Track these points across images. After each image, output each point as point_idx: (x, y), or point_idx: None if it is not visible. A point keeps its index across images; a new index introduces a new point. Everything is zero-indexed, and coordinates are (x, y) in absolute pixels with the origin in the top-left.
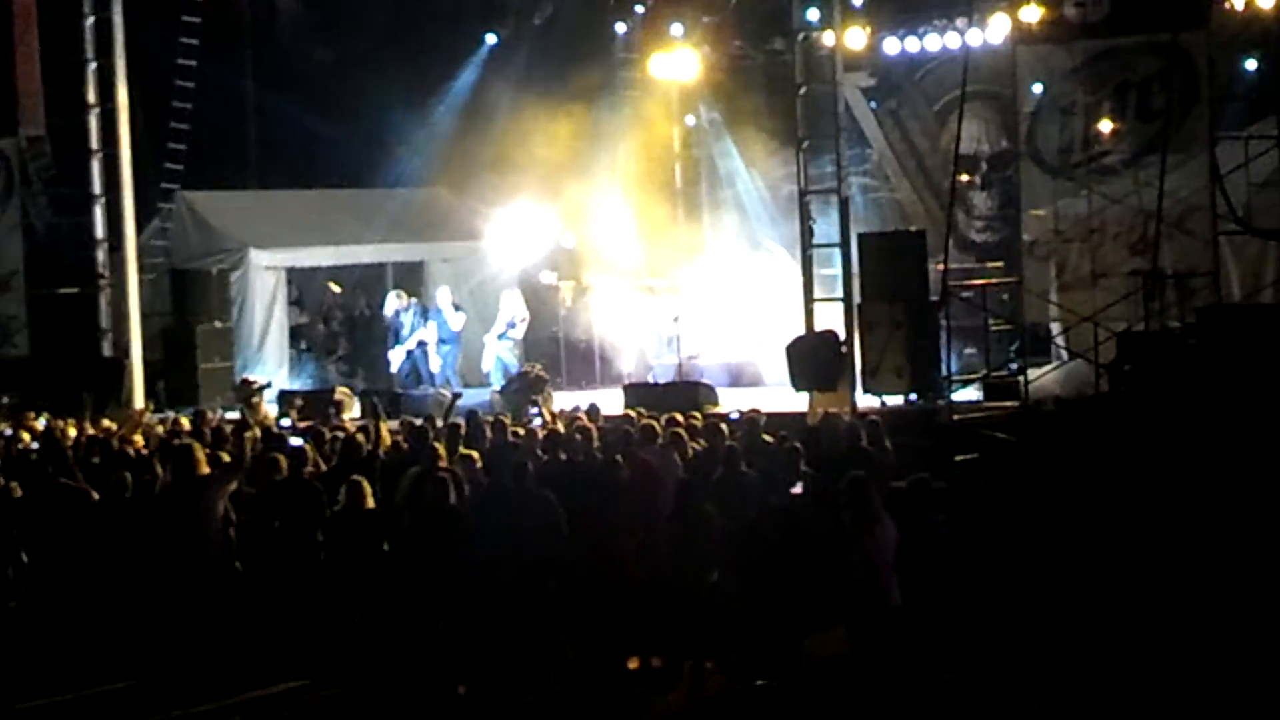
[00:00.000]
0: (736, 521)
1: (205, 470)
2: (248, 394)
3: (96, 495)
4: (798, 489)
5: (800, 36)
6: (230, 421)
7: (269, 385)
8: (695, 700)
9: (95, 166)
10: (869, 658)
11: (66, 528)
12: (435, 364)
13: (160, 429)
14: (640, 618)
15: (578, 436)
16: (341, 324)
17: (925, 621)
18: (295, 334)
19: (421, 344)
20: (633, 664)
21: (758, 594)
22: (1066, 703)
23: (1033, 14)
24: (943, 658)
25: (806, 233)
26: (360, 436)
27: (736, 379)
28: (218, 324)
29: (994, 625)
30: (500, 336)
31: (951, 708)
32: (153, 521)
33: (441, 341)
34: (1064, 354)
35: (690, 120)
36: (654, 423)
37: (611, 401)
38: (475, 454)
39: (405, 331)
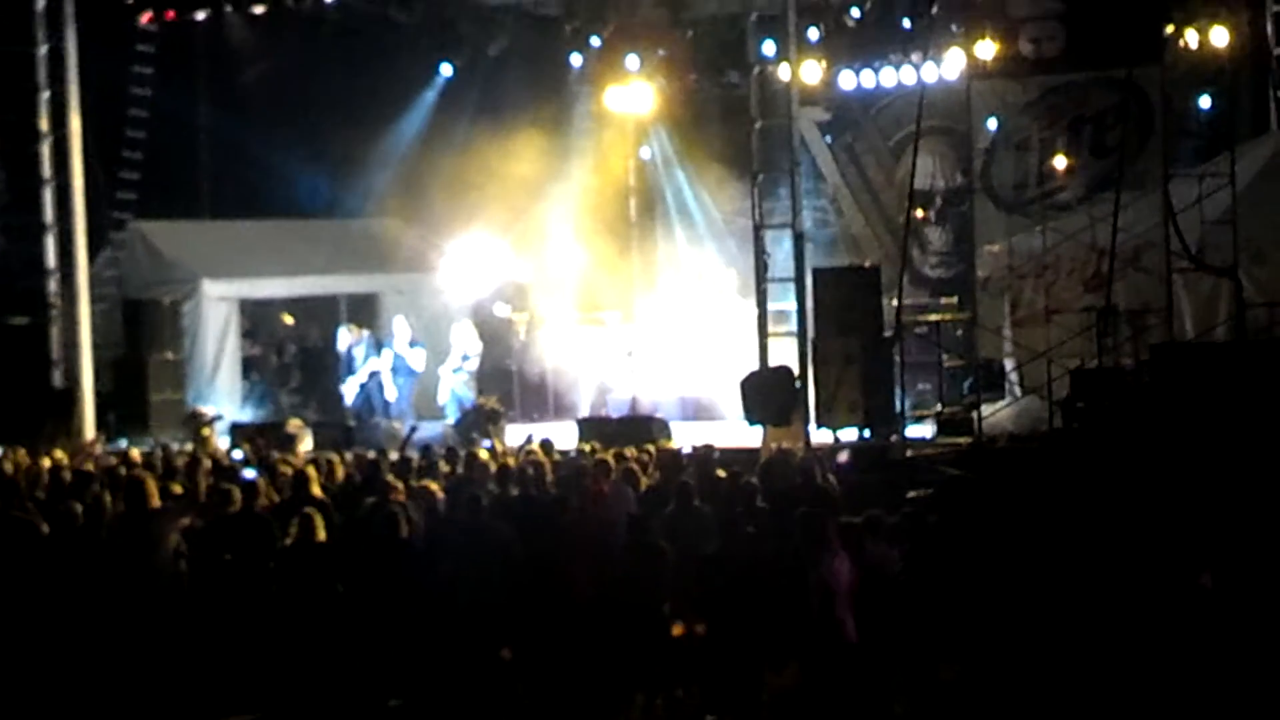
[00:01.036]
0: (690, 556)
1: (156, 502)
2: (198, 425)
3: (46, 527)
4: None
5: (756, 70)
6: (182, 453)
7: (219, 417)
8: None
9: (47, 195)
10: (824, 692)
11: (15, 560)
12: (391, 394)
13: (112, 460)
14: (594, 651)
15: (531, 470)
16: (294, 355)
17: (879, 656)
18: (248, 365)
19: (374, 375)
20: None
21: (714, 628)
22: None
23: (988, 49)
24: (894, 692)
25: (761, 266)
26: (312, 469)
27: (690, 413)
28: (170, 355)
29: (946, 659)
30: (455, 370)
31: None
32: (103, 553)
33: (396, 372)
34: (1017, 390)
35: (645, 153)
36: (607, 457)
37: (565, 435)
38: (433, 486)
39: (358, 364)
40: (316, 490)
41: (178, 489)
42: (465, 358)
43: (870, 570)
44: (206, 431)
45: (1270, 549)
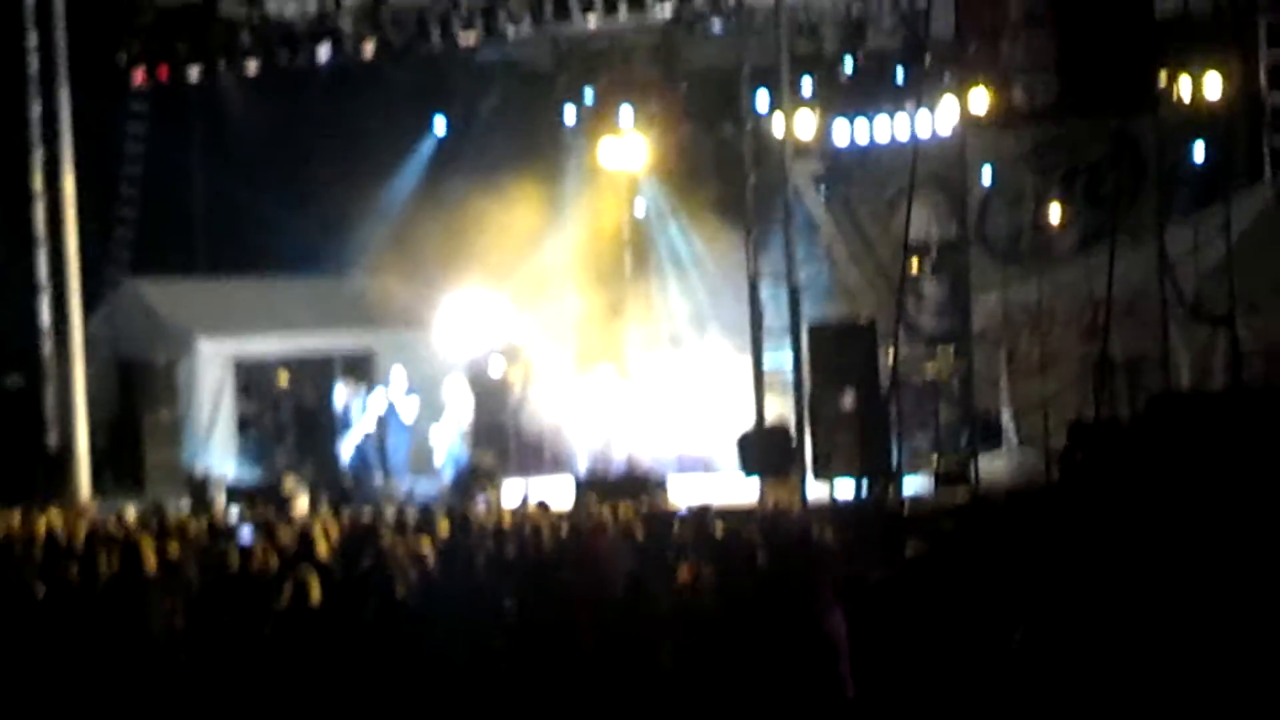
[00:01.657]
0: (689, 612)
1: (152, 564)
2: (204, 489)
3: (41, 589)
4: None
5: (750, 123)
6: (178, 514)
7: (222, 479)
8: None
9: (41, 255)
10: None
11: (10, 623)
12: (393, 444)
13: (108, 521)
14: (594, 710)
15: (527, 528)
16: (290, 414)
17: (877, 713)
18: (244, 424)
19: (368, 434)
20: None
21: (715, 687)
22: None
23: (981, 101)
24: None
25: (757, 320)
26: (309, 529)
27: (687, 468)
28: (165, 414)
29: (946, 715)
30: (450, 427)
31: None
32: (98, 616)
33: (391, 426)
34: (1015, 441)
35: (640, 206)
36: (604, 514)
37: (561, 491)
38: (427, 545)
39: (354, 421)
40: (321, 549)
41: (174, 550)
42: (459, 415)
43: (861, 625)
44: (211, 495)
45: (1270, 595)
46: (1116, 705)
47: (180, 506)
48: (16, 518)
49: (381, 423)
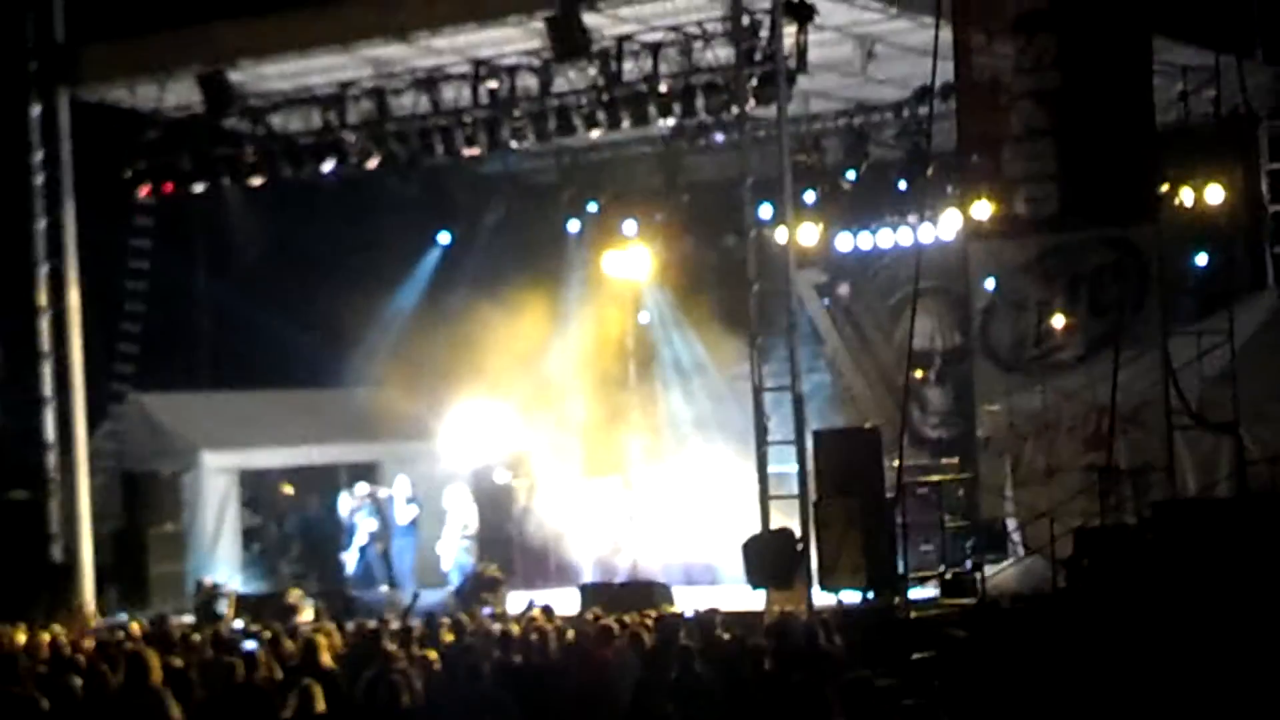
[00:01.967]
0: (696, 715)
1: (158, 676)
2: (213, 599)
3: (46, 703)
4: None
5: (753, 233)
6: (183, 626)
7: (232, 592)
8: None
9: (46, 369)
10: None
11: None
12: (397, 554)
13: (115, 634)
14: None
15: (533, 637)
16: (295, 525)
17: None
18: (248, 536)
19: (373, 541)
20: None
21: None
22: None
23: (984, 210)
24: None
25: (761, 429)
26: (314, 640)
27: (692, 577)
28: (169, 526)
29: None
30: (456, 536)
31: None
32: None
33: (395, 533)
34: (1020, 550)
35: (644, 316)
36: (610, 623)
37: (566, 600)
38: (433, 655)
39: (358, 530)
40: (325, 659)
41: (178, 662)
42: (465, 524)
43: None
44: (224, 605)
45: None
46: None
47: (185, 618)
48: (21, 630)
49: (385, 531)
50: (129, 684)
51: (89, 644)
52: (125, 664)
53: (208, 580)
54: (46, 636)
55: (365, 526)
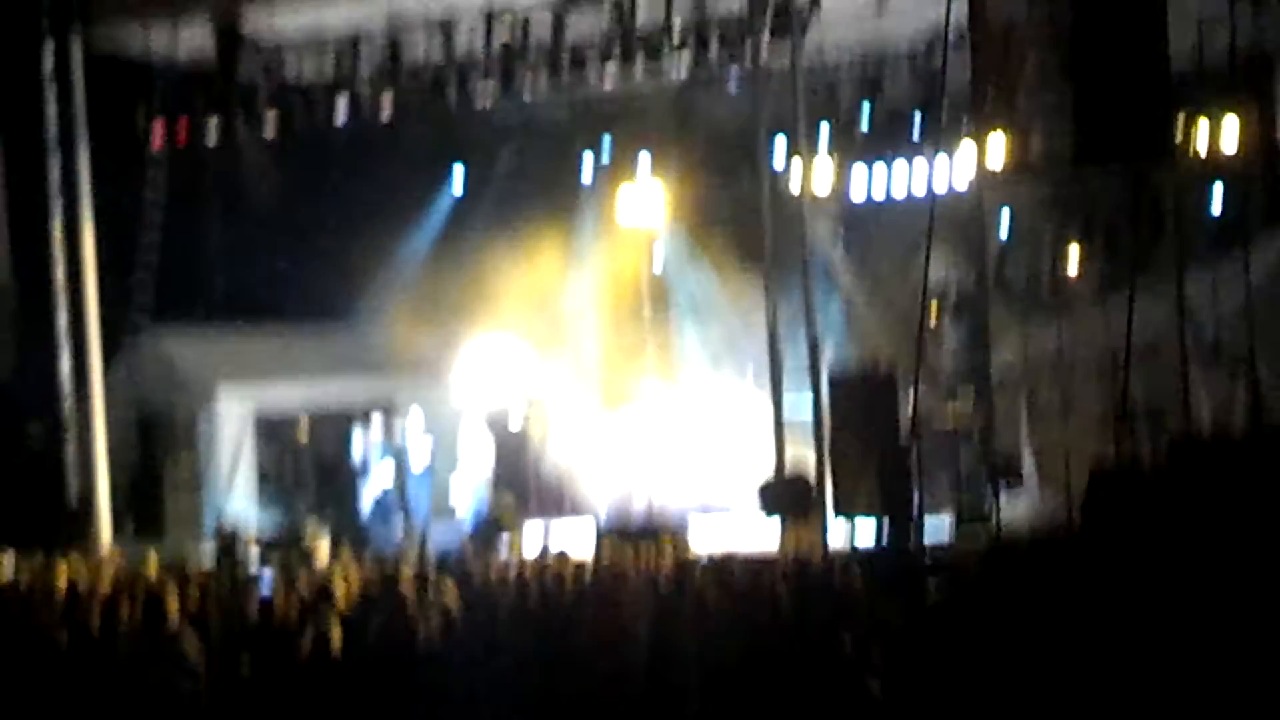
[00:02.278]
0: (713, 660)
1: (174, 614)
2: (229, 540)
3: (64, 639)
4: None
5: (767, 176)
6: (201, 564)
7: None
8: None
9: (60, 308)
10: None
11: (34, 673)
12: (413, 492)
13: (132, 572)
14: None
15: (549, 579)
16: (310, 464)
17: None
18: (263, 474)
19: (386, 480)
20: None
21: None
22: None
23: (999, 150)
24: None
25: (776, 371)
26: (330, 577)
27: (707, 516)
28: (185, 465)
29: None
30: (471, 475)
31: None
32: (121, 667)
33: (409, 473)
34: (1036, 488)
35: (658, 256)
36: (626, 566)
37: (582, 537)
38: (449, 596)
39: (373, 469)
40: (341, 598)
41: (195, 601)
42: (480, 462)
43: (885, 673)
44: (240, 546)
45: None
46: None
47: (201, 556)
48: (38, 568)
49: (401, 471)
50: (146, 622)
51: (106, 582)
52: (142, 602)
53: (226, 518)
54: (63, 574)
55: (380, 466)
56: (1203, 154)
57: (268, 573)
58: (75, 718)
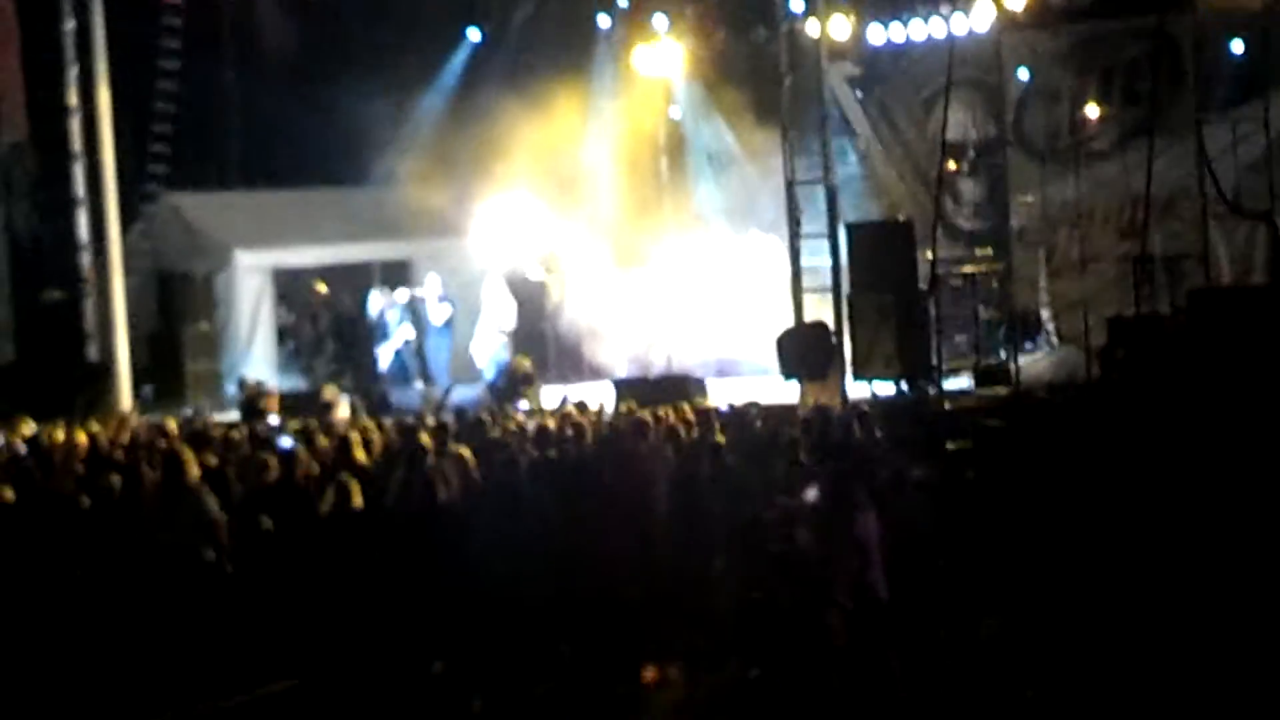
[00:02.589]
0: (733, 514)
1: (195, 474)
2: (253, 395)
3: (86, 500)
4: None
5: (785, 26)
6: (219, 424)
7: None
8: (692, 694)
9: (78, 170)
10: (861, 650)
11: (56, 533)
12: (431, 351)
13: (152, 433)
14: (635, 612)
15: (568, 432)
16: (329, 323)
17: (914, 613)
18: (282, 334)
19: (407, 341)
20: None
21: (758, 585)
22: (1061, 685)
23: (1018, 0)
24: (936, 647)
25: (794, 223)
26: (350, 436)
27: (725, 370)
28: (204, 326)
29: (986, 611)
30: (492, 332)
31: (946, 693)
32: (142, 526)
33: (428, 332)
34: (1054, 340)
35: (675, 112)
36: (645, 417)
37: (600, 395)
38: (467, 451)
39: (391, 329)
40: (358, 457)
41: (215, 461)
42: (501, 320)
43: (898, 526)
44: (264, 403)
45: None
46: (1158, 597)
47: (214, 416)
48: (60, 430)
49: (419, 330)
50: (166, 482)
51: (126, 443)
52: (162, 462)
53: (250, 378)
54: (84, 436)
55: (398, 325)
56: (1223, 2)
57: (288, 434)
58: (98, 578)
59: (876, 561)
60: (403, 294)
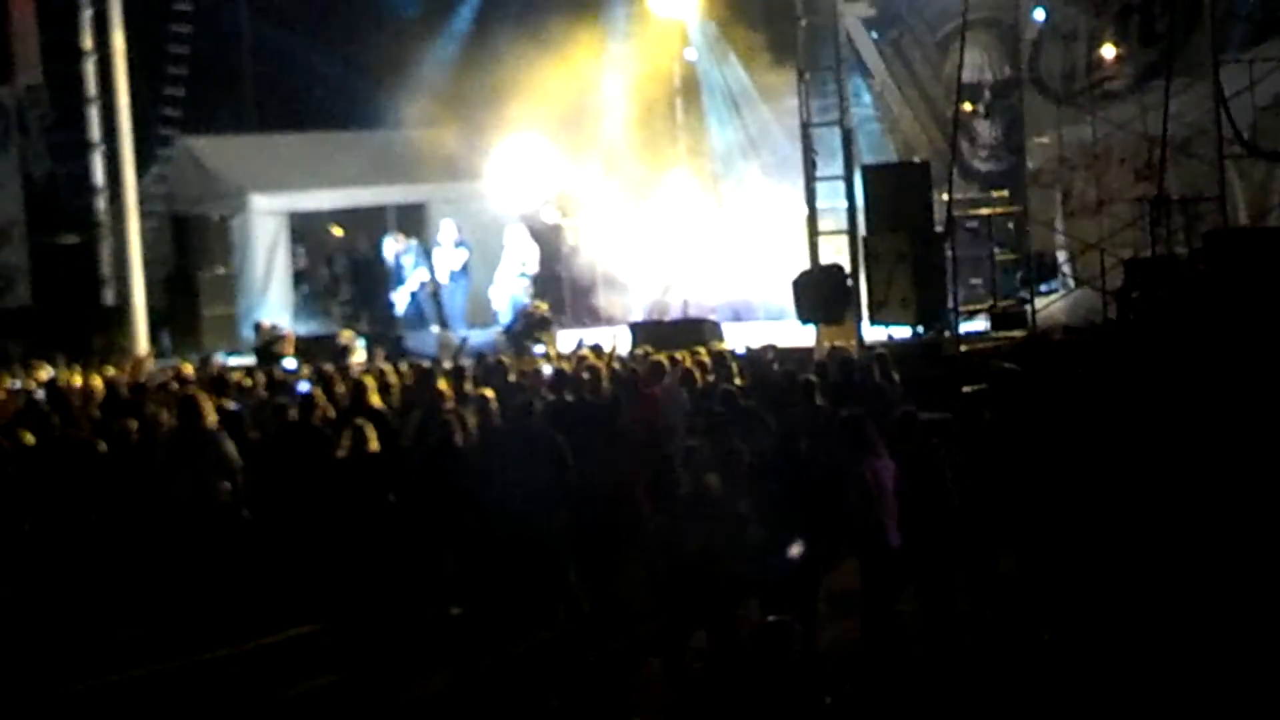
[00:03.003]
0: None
1: (212, 418)
2: (270, 339)
3: (103, 445)
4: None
5: None
6: (236, 368)
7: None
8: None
9: (93, 114)
10: (874, 597)
11: (74, 478)
12: (447, 295)
13: (169, 376)
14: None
15: (585, 375)
16: (344, 267)
17: (930, 557)
18: (298, 278)
19: (423, 284)
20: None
21: (772, 529)
22: (1078, 628)
23: None
24: (955, 586)
25: (810, 164)
26: (366, 380)
27: (742, 314)
28: (220, 270)
29: (1004, 551)
30: (514, 276)
31: (964, 636)
32: (160, 469)
33: (443, 276)
34: (1071, 282)
35: (690, 53)
36: (662, 359)
37: (617, 340)
38: (486, 393)
39: (406, 273)
40: (374, 400)
41: (232, 405)
42: (523, 264)
43: (913, 469)
44: (279, 346)
45: None
46: (1175, 537)
47: (236, 360)
48: (77, 373)
49: (434, 273)
50: (183, 426)
51: (144, 386)
52: (180, 406)
53: (266, 322)
54: (101, 380)
55: (414, 269)
56: None
57: (304, 379)
58: (116, 521)
59: (887, 506)
60: (418, 236)
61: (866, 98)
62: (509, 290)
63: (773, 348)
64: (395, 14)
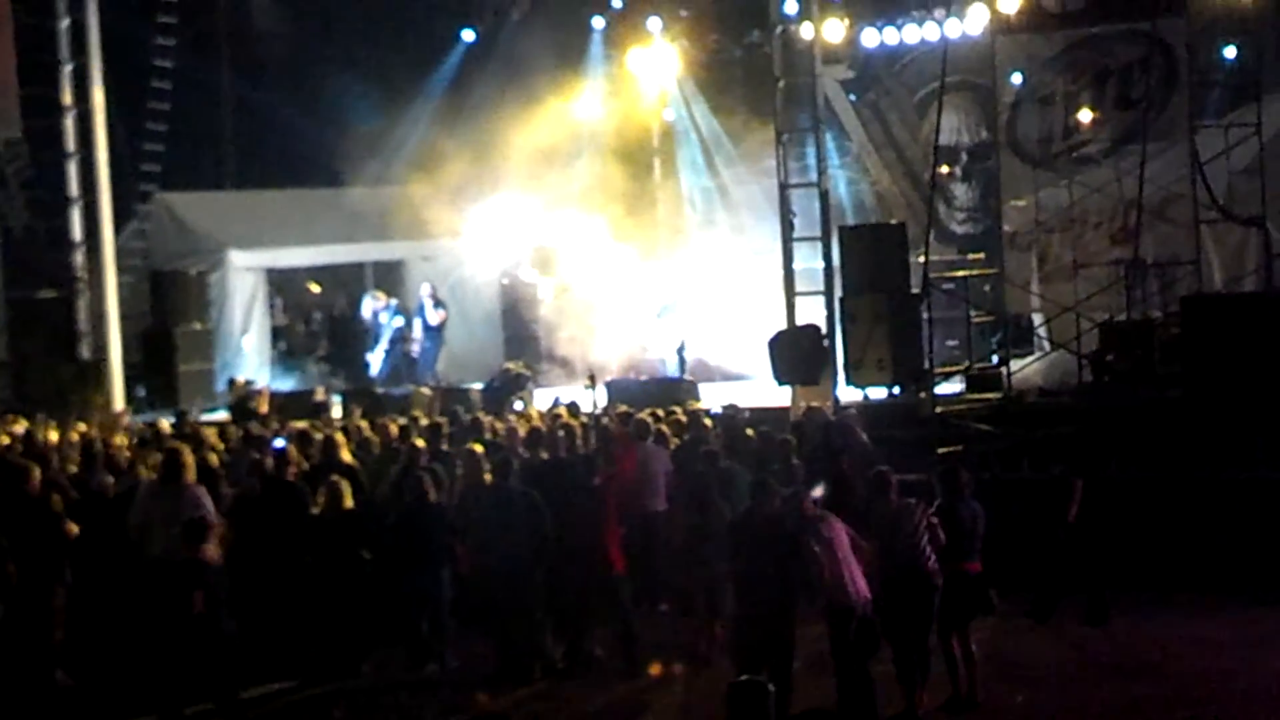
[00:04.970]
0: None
1: (192, 475)
2: (243, 395)
3: (75, 495)
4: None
5: (778, 29)
6: (213, 423)
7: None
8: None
9: (72, 168)
10: (843, 654)
11: (51, 539)
12: (422, 354)
13: (146, 432)
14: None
15: (560, 433)
16: (321, 324)
17: (904, 617)
18: (276, 334)
19: (398, 340)
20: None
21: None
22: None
23: (1011, 3)
24: (925, 652)
25: (787, 225)
26: (341, 436)
27: (718, 374)
28: (197, 325)
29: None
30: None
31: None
32: (138, 526)
33: (425, 333)
34: (1046, 345)
35: (669, 114)
36: (644, 417)
37: (593, 397)
38: (479, 448)
39: (384, 331)
40: (346, 456)
41: (214, 459)
42: (491, 323)
43: (886, 527)
44: (255, 402)
45: None
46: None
47: (202, 416)
48: (53, 428)
49: (412, 332)
50: (164, 479)
51: (120, 441)
52: (162, 461)
53: (240, 378)
54: (77, 435)
55: (391, 326)
56: (1216, 7)
57: (280, 437)
58: (92, 575)
59: (850, 564)
60: (395, 294)
61: (844, 159)
62: (481, 349)
63: (739, 409)
64: (358, 121)
